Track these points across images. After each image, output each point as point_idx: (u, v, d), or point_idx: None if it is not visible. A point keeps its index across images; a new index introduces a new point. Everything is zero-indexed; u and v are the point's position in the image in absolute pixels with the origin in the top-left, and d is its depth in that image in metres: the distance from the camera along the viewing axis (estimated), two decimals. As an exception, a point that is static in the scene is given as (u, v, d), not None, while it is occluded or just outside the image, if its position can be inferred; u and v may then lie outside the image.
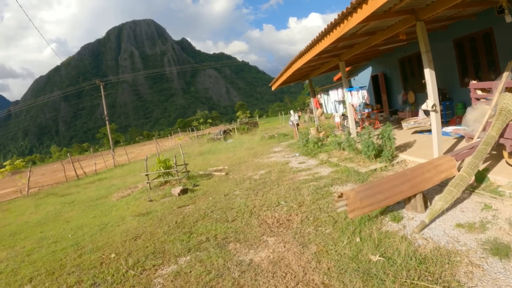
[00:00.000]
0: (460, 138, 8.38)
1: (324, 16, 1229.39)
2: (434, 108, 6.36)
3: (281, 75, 12.68)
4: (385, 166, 7.19)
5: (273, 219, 5.29)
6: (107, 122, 39.24)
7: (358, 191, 4.19)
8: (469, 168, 4.46)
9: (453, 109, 10.75)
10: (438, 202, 4.17)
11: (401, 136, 9.44)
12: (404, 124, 9.85)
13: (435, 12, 6.23)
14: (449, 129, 9.52)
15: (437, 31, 10.49)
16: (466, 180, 4.35)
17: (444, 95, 10.73)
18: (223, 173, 10.16)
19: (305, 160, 10.00)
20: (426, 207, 4.62)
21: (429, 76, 6.37)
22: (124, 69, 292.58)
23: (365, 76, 16.77)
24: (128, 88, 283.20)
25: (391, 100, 14.93)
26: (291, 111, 16.45)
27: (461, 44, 10.17)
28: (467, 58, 9.95)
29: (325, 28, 6.72)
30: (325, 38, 7.08)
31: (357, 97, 10.57)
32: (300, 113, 15.60)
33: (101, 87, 38.61)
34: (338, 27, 6.26)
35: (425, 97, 12.29)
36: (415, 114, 12.04)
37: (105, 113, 38.00)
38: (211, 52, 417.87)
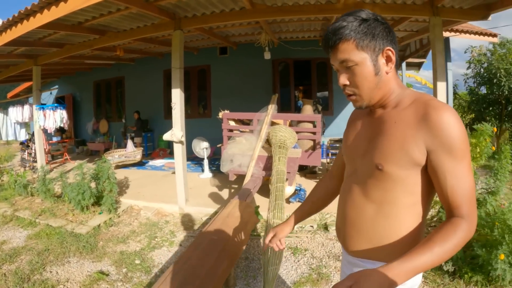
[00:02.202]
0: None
1: None
2: (182, 139, 4.87)
3: None
4: (110, 219, 4.75)
5: None
6: None
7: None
8: (279, 212, 3.22)
9: (154, 141, 9.75)
10: (269, 267, 2.55)
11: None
12: (108, 157, 7.59)
13: (197, 26, 5.32)
14: (159, 162, 8.34)
15: (153, 57, 9.38)
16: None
17: (146, 127, 9.55)
18: None
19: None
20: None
21: (179, 98, 4.81)
22: None
23: (50, 96, 12.74)
24: None
25: (79, 129, 11.94)
26: None
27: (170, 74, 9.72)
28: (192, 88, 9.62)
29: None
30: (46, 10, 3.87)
31: (53, 118, 7.06)
32: None
33: None
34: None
35: (119, 127, 10.70)
36: (109, 145, 10.08)
37: None
38: None
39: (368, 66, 1.00)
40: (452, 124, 0.93)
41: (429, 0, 4.69)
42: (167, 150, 9.48)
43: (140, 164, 8.16)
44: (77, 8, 3.68)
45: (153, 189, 5.98)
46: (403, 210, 1.03)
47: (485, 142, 4.14)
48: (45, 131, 7.41)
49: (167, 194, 5.58)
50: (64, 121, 7.47)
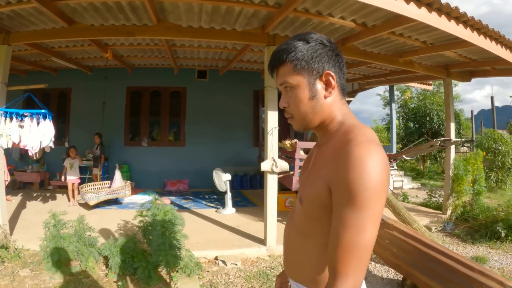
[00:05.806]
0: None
1: None
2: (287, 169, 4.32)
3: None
4: (201, 285, 3.66)
5: None
6: None
7: None
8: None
9: (110, 172, 7.84)
10: None
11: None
12: (89, 194, 5.66)
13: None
14: (136, 198, 6.68)
15: (120, 69, 7.52)
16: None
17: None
18: None
19: None
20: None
21: (277, 123, 4.19)
22: None
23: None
24: None
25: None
26: None
27: (138, 93, 8.15)
28: (142, 113, 8.22)
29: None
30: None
31: (35, 132, 4.19)
32: None
33: None
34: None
35: (60, 152, 7.97)
36: (45, 175, 7.66)
37: None
38: None
39: (303, 90, 0.94)
40: (362, 164, 0.77)
41: (445, 65, 5.81)
42: (132, 183, 7.78)
43: (113, 202, 6.37)
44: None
45: (190, 234, 4.87)
46: (318, 249, 0.95)
47: (479, 162, 5.60)
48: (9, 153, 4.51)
49: (220, 237, 4.70)
50: (52, 137, 4.54)
